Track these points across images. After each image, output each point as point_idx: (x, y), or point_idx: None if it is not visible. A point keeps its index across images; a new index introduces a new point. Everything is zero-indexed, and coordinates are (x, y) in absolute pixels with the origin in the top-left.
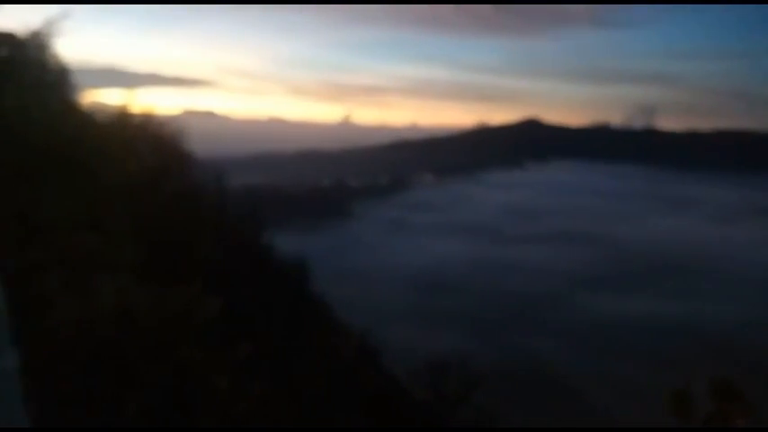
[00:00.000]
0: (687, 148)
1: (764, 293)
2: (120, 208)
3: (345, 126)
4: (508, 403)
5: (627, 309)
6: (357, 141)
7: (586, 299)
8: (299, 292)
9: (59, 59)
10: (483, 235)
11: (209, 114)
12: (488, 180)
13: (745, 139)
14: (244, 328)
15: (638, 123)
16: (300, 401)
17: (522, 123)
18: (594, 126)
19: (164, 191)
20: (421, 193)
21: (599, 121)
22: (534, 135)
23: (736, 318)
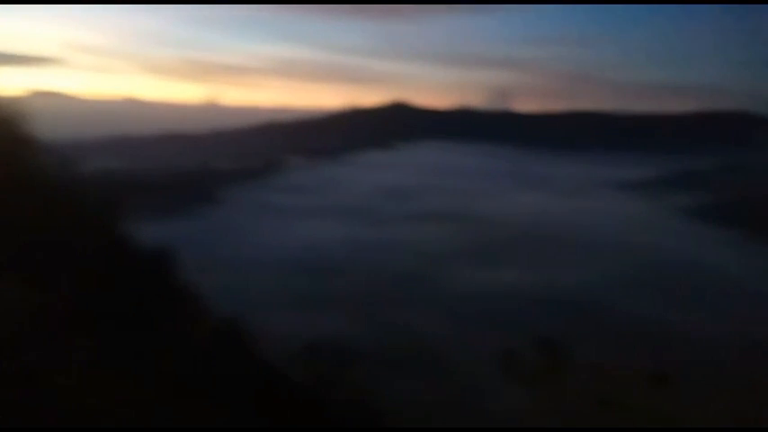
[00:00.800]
0: (542, 129)
1: (613, 259)
2: None
3: (210, 107)
4: (387, 379)
5: (495, 280)
6: (223, 123)
7: (458, 273)
8: (162, 283)
9: None
10: (357, 216)
11: (57, 95)
12: (360, 162)
13: (593, 120)
14: (97, 322)
15: (498, 106)
16: (156, 395)
17: (390, 106)
18: (459, 108)
19: None
20: (292, 175)
21: (462, 103)
22: (402, 117)
23: (589, 283)
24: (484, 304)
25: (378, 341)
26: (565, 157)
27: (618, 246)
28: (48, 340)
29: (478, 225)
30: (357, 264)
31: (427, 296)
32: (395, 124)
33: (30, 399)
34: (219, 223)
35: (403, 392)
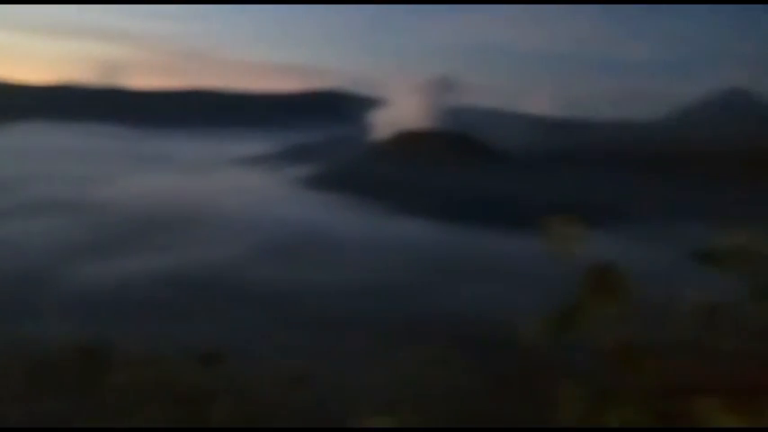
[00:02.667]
0: (156, 106)
1: (241, 232)
2: None
3: None
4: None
5: (123, 270)
6: None
7: (78, 269)
8: None
9: None
10: None
11: None
12: None
13: (207, 97)
14: None
15: (107, 82)
16: None
17: None
18: (62, 85)
19: None
20: None
21: (66, 79)
22: None
23: (220, 258)
24: (105, 299)
25: None
26: (182, 136)
27: (244, 219)
28: None
29: (97, 213)
30: None
31: (45, 299)
32: None
33: None
34: None
35: (21, 408)
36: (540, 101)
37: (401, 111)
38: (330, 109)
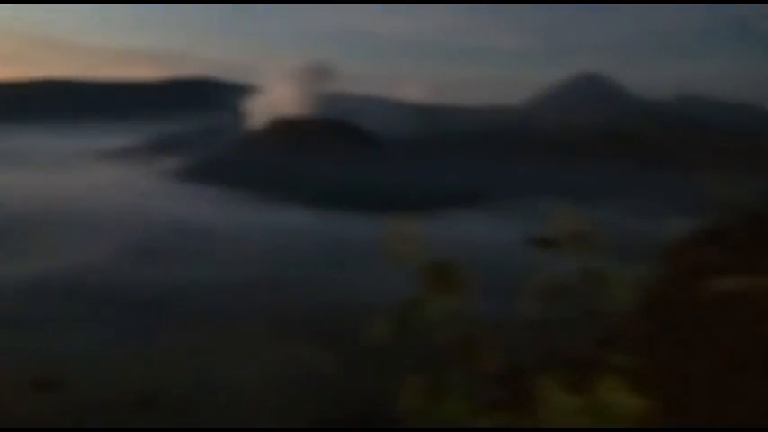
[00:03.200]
0: (7, 98)
1: (112, 230)
2: None
3: None
4: None
5: None
6: None
7: None
8: None
9: None
10: None
11: None
12: None
13: (61, 88)
14: None
15: None
16: None
17: None
18: None
19: None
20: None
21: None
22: None
23: (90, 262)
24: None
25: None
26: (38, 130)
27: (111, 217)
28: None
29: None
30: None
31: None
32: None
33: None
34: None
35: None
36: (412, 88)
37: (275, 98)
38: (199, 97)
